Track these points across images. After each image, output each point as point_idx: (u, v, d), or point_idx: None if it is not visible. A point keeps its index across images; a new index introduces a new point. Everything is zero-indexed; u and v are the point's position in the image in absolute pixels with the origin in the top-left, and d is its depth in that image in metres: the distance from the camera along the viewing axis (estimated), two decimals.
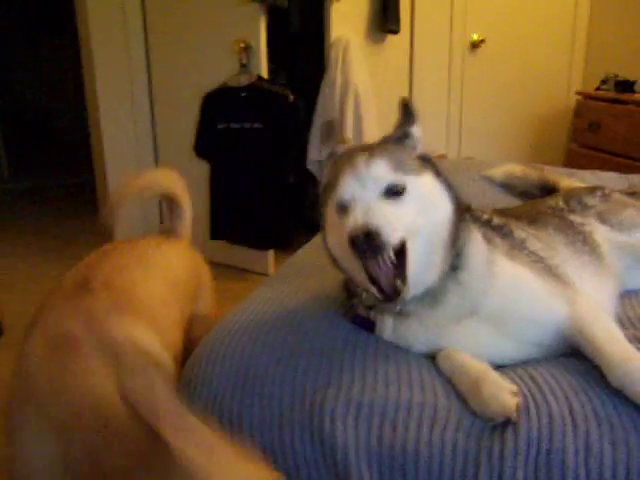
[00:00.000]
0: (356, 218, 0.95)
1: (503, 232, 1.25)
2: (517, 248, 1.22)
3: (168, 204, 1.66)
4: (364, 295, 1.12)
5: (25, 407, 0.97)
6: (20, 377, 1.01)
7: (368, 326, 1.15)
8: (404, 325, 1.11)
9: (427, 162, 1.09)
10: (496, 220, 1.29)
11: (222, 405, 1.06)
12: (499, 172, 2.06)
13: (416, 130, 1.12)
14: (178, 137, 3.64)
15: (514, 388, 0.96)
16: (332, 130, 1.24)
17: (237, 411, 1.04)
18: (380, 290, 0.99)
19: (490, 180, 2.08)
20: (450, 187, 1.09)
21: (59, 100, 8.25)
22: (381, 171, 1.01)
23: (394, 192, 0.99)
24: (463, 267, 1.08)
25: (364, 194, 0.99)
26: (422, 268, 1.02)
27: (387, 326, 1.13)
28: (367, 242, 0.91)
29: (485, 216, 1.28)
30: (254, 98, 3.21)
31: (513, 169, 2.04)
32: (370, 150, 1.06)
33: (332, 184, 1.06)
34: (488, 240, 1.15)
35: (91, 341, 1.01)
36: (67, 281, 1.22)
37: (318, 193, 1.16)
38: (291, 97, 3.21)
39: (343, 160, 1.07)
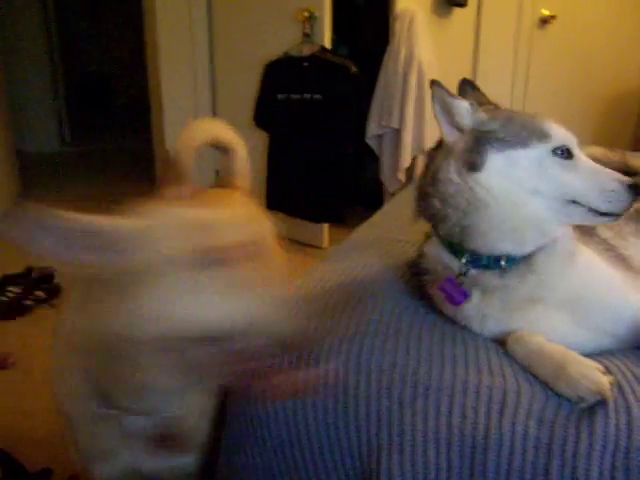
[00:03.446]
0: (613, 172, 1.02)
1: None
2: (588, 235, 1.18)
3: (223, 153, 1.66)
4: (465, 259, 1.07)
5: None
6: None
7: (457, 296, 1.09)
8: (485, 301, 1.06)
9: None
10: None
11: None
12: None
13: None
14: (238, 106, 3.64)
15: (602, 367, 0.92)
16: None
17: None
18: None
19: None
20: None
21: (120, 68, 8.40)
22: None
23: None
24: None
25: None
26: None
27: (473, 300, 1.07)
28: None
29: None
30: (315, 69, 3.17)
31: (594, 151, 1.98)
32: None
33: (532, 128, 1.07)
34: None
35: None
36: None
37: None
38: (353, 69, 3.17)
39: (526, 116, 1.13)
